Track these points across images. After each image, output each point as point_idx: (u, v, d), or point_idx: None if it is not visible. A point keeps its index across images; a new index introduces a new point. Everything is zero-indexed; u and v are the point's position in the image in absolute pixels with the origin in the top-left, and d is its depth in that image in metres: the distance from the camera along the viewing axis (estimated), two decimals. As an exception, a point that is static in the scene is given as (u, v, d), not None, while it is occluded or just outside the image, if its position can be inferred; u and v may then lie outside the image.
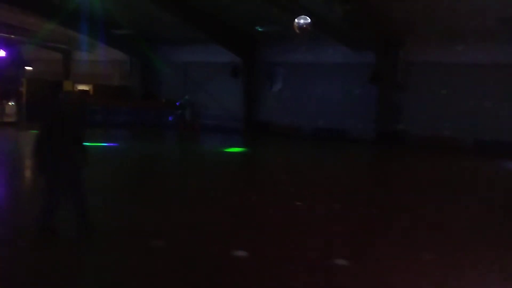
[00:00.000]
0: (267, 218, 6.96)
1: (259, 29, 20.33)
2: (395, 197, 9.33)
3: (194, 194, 8.42)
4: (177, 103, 22.09)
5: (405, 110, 20.26)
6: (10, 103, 26.82)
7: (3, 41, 26.97)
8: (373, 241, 6.13)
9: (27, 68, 31.02)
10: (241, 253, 5.12)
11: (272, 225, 6.61)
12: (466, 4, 15.52)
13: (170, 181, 10.02)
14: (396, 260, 5.22)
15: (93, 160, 5.84)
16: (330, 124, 21.75)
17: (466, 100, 18.83)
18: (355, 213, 7.55)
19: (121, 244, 5.36)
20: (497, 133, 18.37)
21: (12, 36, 25.10)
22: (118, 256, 4.98)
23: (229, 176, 11.31)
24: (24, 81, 24.63)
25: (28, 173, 10.66)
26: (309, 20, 9.91)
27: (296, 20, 9.67)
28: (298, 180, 10.53)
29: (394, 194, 9.66)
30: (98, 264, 4.81)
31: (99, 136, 18.97)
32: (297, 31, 9.68)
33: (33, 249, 5.10)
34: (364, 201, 8.67)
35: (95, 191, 6.71)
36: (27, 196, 8.25)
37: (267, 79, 23.81)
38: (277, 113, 23.39)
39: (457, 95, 19.16)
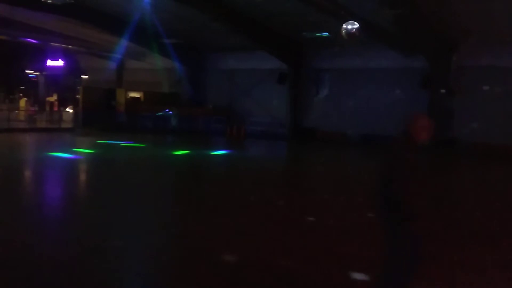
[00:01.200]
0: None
1: (306, 36, 20.29)
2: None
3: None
4: (157, 113, 22.75)
5: (457, 115, 19.52)
6: (67, 110, 28.36)
7: (61, 51, 28.56)
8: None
9: (83, 76, 32.69)
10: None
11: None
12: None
13: (227, 187, 10.03)
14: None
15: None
16: (378, 130, 21.29)
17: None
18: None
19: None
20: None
21: (70, 47, 26.47)
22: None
23: (294, 185, 10.92)
24: (80, 89, 25.84)
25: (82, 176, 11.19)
26: (357, 25, 9.81)
27: (344, 25, 9.62)
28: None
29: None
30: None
31: (151, 141, 19.57)
32: (345, 36, 9.63)
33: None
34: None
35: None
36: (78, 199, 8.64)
37: (314, 85, 23.72)
38: (324, 120, 23.19)
39: (511, 100, 18.28)
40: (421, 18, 16.10)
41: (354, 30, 9.32)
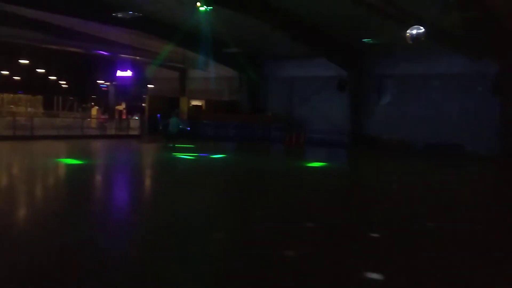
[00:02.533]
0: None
1: (367, 41, 19.88)
2: None
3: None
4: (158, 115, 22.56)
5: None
6: (134, 118, 29.82)
7: (130, 62, 30.16)
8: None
9: (148, 86, 34.27)
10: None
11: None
12: None
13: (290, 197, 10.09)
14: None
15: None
16: (444, 139, 20.35)
17: None
18: None
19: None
20: None
21: (137, 58, 27.86)
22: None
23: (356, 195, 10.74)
24: (146, 98, 27.08)
25: (148, 181, 11.70)
26: (422, 30, 9.49)
27: (408, 30, 9.34)
28: (437, 200, 9.36)
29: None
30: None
31: (211, 149, 20.06)
32: (410, 41, 9.33)
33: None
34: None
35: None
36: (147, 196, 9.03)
37: (375, 92, 23.15)
38: (385, 127, 22.54)
39: None
40: (492, 21, 15.24)
41: (419, 34, 9.02)
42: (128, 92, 34.63)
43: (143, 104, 31.47)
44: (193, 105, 27.93)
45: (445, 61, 20.29)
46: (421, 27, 9.12)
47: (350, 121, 23.39)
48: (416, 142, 21.25)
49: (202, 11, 16.20)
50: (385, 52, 21.75)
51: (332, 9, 17.28)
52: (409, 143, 21.40)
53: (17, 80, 39.75)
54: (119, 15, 18.92)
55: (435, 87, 20.93)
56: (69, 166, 13.08)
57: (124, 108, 32.71)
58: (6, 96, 32.32)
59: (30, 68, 34.28)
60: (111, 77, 34.37)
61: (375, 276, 4.73)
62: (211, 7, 15.26)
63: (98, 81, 40.37)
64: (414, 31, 9.17)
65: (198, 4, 15.40)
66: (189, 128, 19.23)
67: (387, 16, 15.16)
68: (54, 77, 42.18)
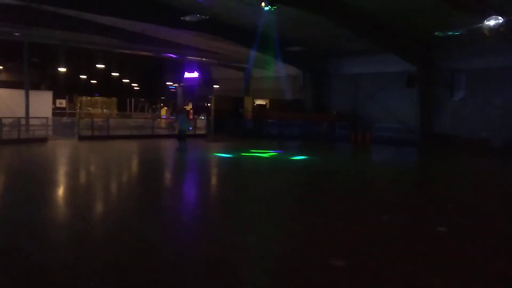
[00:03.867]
0: None
1: (439, 35, 18.92)
2: None
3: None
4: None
5: None
6: (201, 118, 30.71)
7: (196, 64, 31.13)
8: None
9: (214, 86, 35.16)
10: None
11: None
12: None
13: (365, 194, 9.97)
14: None
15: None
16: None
17: None
18: None
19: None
20: None
21: (204, 59, 28.67)
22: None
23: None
24: (212, 98, 27.78)
25: (214, 179, 12.04)
26: (501, 20, 8.89)
27: (485, 21, 8.79)
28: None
29: None
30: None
31: (282, 147, 20.17)
32: (487, 33, 8.78)
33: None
34: None
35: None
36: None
37: (447, 87, 21.98)
38: (459, 125, 21.36)
39: None
40: None
41: (497, 25, 8.44)
42: (194, 93, 35.76)
43: (208, 104, 32.32)
44: (257, 104, 28.22)
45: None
46: (500, 18, 8.51)
47: (420, 119, 22.39)
48: (492, 139, 19.91)
49: (266, 11, 16.35)
50: (457, 45, 20.58)
51: (399, 2, 16.68)
52: (484, 141, 20.10)
53: (94, 83, 42.54)
54: (187, 18, 19.58)
55: (513, 81, 19.48)
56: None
57: (191, 108, 33.78)
58: (85, 99, 34.62)
59: (105, 72, 36.60)
60: (179, 78, 35.70)
61: None
62: (276, 7, 15.30)
63: (167, 83, 42.10)
64: (492, 22, 8.57)
65: (263, 4, 15.55)
66: (190, 128, 18.93)
67: (461, 6, 14.36)
68: (127, 80, 44.62)
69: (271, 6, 15.30)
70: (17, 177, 10.95)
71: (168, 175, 12.51)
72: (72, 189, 9.64)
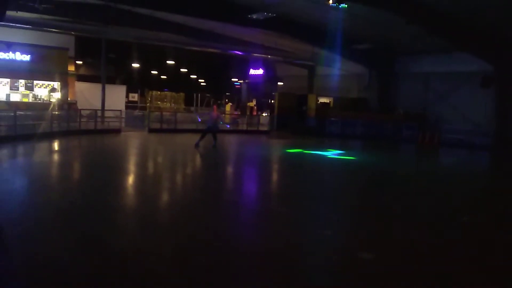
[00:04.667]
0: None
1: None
2: None
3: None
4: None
5: None
6: (264, 114, 31.07)
7: (261, 61, 31.48)
8: None
9: (279, 83, 35.35)
10: None
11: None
12: None
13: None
14: None
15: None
16: None
17: None
18: None
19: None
20: None
21: (269, 56, 28.91)
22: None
23: None
24: (276, 95, 27.97)
25: (274, 175, 12.21)
26: None
27: None
28: None
29: None
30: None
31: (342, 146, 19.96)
32: None
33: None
34: None
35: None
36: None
37: (527, 88, 20.45)
38: (539, 129, 19.87)
39: None
40: None
41: None
42: (259, 90, 36.19)
43: (272, 101, 32.58)
44: (320, 102, 28.02)
45: None
46: None
47: (496, 121, 21.06)
48: None
49: (334, 8, 16.22)
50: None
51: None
52: None
53: (164, 78, 44.43)
54: (254, 16, 19.91)
55: None
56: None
57: (254, 105, 34.25)
58: (155, 93, 36.25)
59: (174, 68, 38.10)
60: (244, 75, 36.31)
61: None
62: (345, 5, 15.13)
63: (232, 79, 42.99)
64: None
65: (330, 2, 15.45)
66: (228, 126, 16.69)
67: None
68: (195, 76, 46.12)
69: (339, 4, 15.17)
70: (96, 165, 11.81)
71: (232, 169, 12.88)
72: (147, 179, 10.26)
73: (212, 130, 15.60)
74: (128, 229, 6.09)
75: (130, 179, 10.00)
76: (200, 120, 18.09)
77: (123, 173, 10.66)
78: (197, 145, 15.14)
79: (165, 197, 8.50)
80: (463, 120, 22.61)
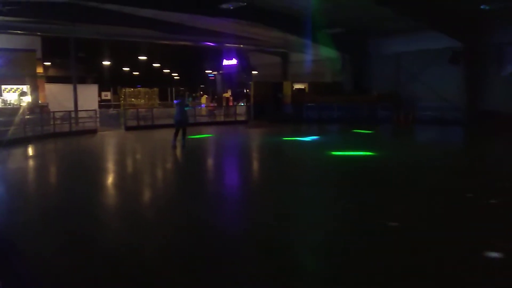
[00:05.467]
0: None
1: (485, 8, 18.15)
2: None
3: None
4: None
5: None
6: (240, 104, 31.00)
7: (235, 51, 31.33)
8: None
9: (253, 72, 35.29)
10: None
11: None
12: None
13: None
14: None
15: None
16: None
17: None
18: None
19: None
20: None
21: (242, 46, 28.78)
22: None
23: None
24: (251, 84, 27.93)
25: (256, 163, 12.29)
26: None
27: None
28: None
29: None
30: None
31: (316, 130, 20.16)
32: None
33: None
34: None
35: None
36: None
37: (495, 62, 21.08)
38: (508, 101, 20.50)
39: None
40: None
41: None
42: (233, 80, 36.07)
43: (247, 91, 32.52)
44: (296, 88, 28.15)
45: None
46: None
47: (466, 96, 21.66)
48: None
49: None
50: (504, 18, 19.66)
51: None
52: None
53: (136, 75, 43.75)
54: (225, 6, 19.74)
55: None
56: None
57: (230, 96, 34.14)
58: (128, 90, 35.68)
59: (147, 63, 37.54)
60: (217, 66, 36.08)
61: None
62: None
63: (206, 71, 42.67)
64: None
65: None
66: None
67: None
68: (168, 70, 45.59)
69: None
70: (79, 167, 11.61)
71: (214, 161, 12.88)
72: (132, 177, 10.17)
73: (181, 124, 13.78)
74: (115, 225, 6.06)
75: (116, 179, 9.89)
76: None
77: (108, 174, 10.53)
78: (174, 146, 13.64)
79: (153, 193, 8.46)
80: (435, 97, 23.11)
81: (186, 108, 13.85)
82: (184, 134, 13.67)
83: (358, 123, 22.85)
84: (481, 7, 18.08)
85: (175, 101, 14.14)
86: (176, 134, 13.72)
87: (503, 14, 19.29)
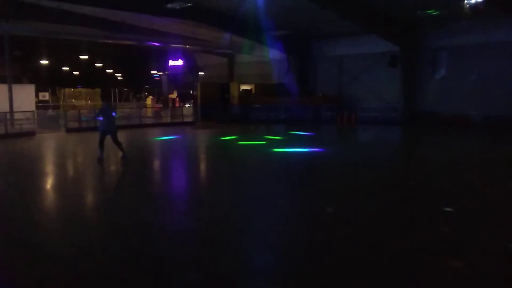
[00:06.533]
0: None
1: (421, 14, 19.24)
2: None
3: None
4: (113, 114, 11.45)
5: None
6: (187, 105, 30.73)
7: (180, 52, 30.95)
8: None
9: (199, 73, 35.05)
10: None
11: None
12: None
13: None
14: None
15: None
16: (504, 111, 19.47)
17: None
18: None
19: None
20: None
21: (187, 46, 28.50)
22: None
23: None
24: (198, 85, 27.75)
25: (203, 164, 12.25)
26: (481, -2, 9.17)
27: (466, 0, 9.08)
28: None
29: None
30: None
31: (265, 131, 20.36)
32: (468, 12, 9.08)
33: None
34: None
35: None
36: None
37: (429, 66, 22.40)
38: (441, 102, 21.89)
39: None
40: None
41: (479, 4, 8.72)
42: (179, 81, 35.63)
43: (194, 92, 32.25)
44: (243, 89, 28.31)
45: (503, 28, 19.33)
46: (480, -5, 8.79)
47: (404, 98, 22.84)
48: (474, 115, 20.48)
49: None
50: (438, 24, 21.00)
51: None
52: (465, 117, 20.68)
53: (77, 75, 41.99)
54: (170, 6, 19.48)
55: (497, 56, 19.93)
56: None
57: (176, 96, 33.70)
58: (68, 91, 34.20)
59: (88, 63, 36.13)
60: (163, 67, 35.48)
61: None
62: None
63: (151, 72, 41.80)
64: (473, 0, 8.86)
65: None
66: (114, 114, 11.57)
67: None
68: (111, 70, 44.12)
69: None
70: (20, 173, 10.96)
71: (159, 164, 12.67)
72: (74, 181, 9.76)
73: (108, 132, 11.14)
74: (56, 227, 5.82)
75: (56, 183, 9.46)
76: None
77: (48, 177, 10.04)
78: (100, 159, 11.11)
79: (96, 197, 8.19)
80: (375, 99, 24.16)
81: (114, 114, 11.38)
82: (118, 143, 11.33)
83: (303, 123, 23.36)
84: (417, 13, 19.14)
85: (102, 110, 11.36)
86: (102, 145, 11.13)
87: (436, 20, 20.57)
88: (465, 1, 8.93)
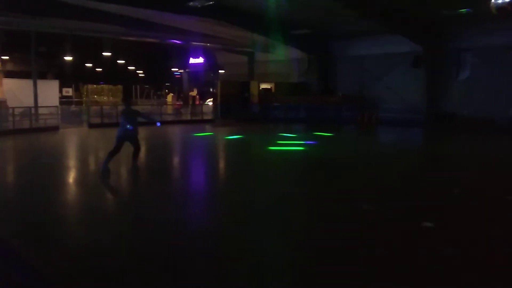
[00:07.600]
0: None
1: (446, 14, 18.89)
2: None
3: None
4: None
5: None
6: (207, 103, 30.90)
7: (201, 49, 31.16)
8: None
9: (220, 71, 35.21)
10: None
11: None
12: None
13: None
14: None
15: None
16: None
17: None
18: None
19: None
20: None
21: (208, 44, 28.68)
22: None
23: None
24: (218, 83, 27.89)
25: (222, 163, 12.31)
26: (509, -1, 8.94)
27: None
28: None
29: None
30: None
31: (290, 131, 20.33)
32: (494, 11, 8.85)
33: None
34: None
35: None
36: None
37: (453, 67, 21.99)
38: (464, 104, 21.44)
39: None
40: None
41: (505, 4, 8.50)
42: (200, 78, 35.86)
43: (214, 90, 32.41)
44: (262, 88, 28.31)
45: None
46: (508, -5, 8.57)
47: (426, 99, 22.47)
48: (498, 118, 20.00)
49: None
50: (464, 24, 20.56)
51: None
52: (490, 120, 20.20)
53: (99, 71, 42.70)
54: (192, 4, 19.60)
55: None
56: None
57: (197, 94, 33.92)
58: (91, 87, 34.78)
59: (111, 60, 36.70)
60: (184, 64, 35.76)
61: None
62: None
63: (172, 69, 42.19)
64: (500, 0, 8.64)
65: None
66: (159, 123, 11.08)
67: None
68: (133, 67, 44.71)
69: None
70: (44, 166, 11.21)
71: (178, 159, 12.78)
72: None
73: (127, 139, 9.17)
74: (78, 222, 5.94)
75: (79, 177, 9.64)
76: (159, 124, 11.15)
77: (72, 171, 10.25)
78: (104, 171, 9.08)
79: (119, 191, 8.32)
80: (398, 99, 23.85)
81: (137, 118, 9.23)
82: (136, 155, 9.42)
83: (323, 123, 23.20)
84: (444, 13, 18.77)
85: (123, 114, 9.22)
86: (113, 154, 9.14)
87: (461, 21, 20.16)
88: (492, 1, 8.66)
